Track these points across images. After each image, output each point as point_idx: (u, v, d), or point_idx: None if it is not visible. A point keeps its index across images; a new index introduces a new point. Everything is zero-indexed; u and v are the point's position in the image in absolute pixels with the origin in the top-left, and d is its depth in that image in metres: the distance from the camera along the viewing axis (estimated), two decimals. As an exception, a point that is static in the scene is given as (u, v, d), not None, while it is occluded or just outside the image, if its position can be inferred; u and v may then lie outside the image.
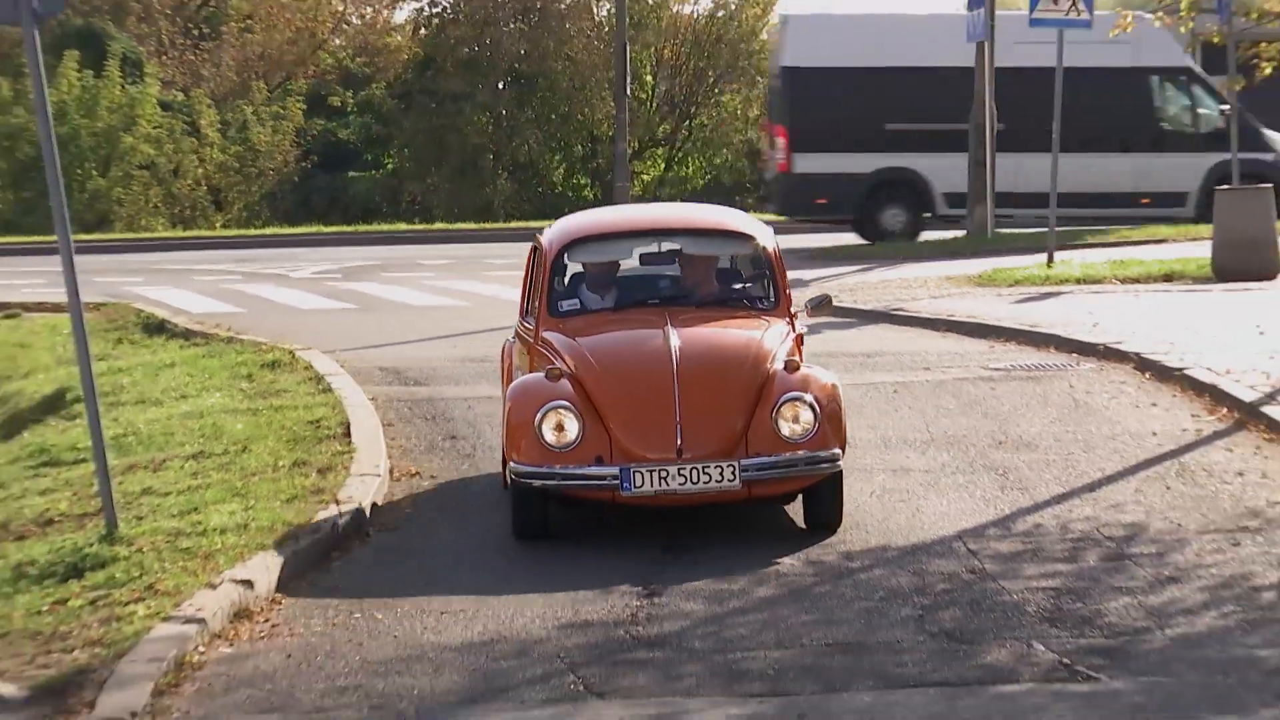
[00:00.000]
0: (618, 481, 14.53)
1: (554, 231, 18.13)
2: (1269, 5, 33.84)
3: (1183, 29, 46.43)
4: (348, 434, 22.22)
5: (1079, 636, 15.30)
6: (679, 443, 14.60)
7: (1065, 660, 14.69)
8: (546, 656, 14.57)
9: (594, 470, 14.69)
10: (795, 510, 18.46)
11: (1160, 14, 48.53)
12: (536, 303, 17.64)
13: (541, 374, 15.68)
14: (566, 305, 17.51)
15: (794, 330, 17.11)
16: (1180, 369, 24.69)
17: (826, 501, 15.28)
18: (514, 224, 61.65)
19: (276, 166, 70.23)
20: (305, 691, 13.76)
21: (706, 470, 14.31)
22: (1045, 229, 42.73)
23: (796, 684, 13.89)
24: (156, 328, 32.06)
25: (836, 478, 15.10)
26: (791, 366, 15.49)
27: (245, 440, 22.52)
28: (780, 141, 52.80)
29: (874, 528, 18.91)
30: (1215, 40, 47.09)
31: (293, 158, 71.43)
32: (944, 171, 53.76)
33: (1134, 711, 13.45)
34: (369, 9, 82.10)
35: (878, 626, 15.57)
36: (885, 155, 51.20)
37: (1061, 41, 42.66)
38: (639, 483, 14.48)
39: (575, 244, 18.10)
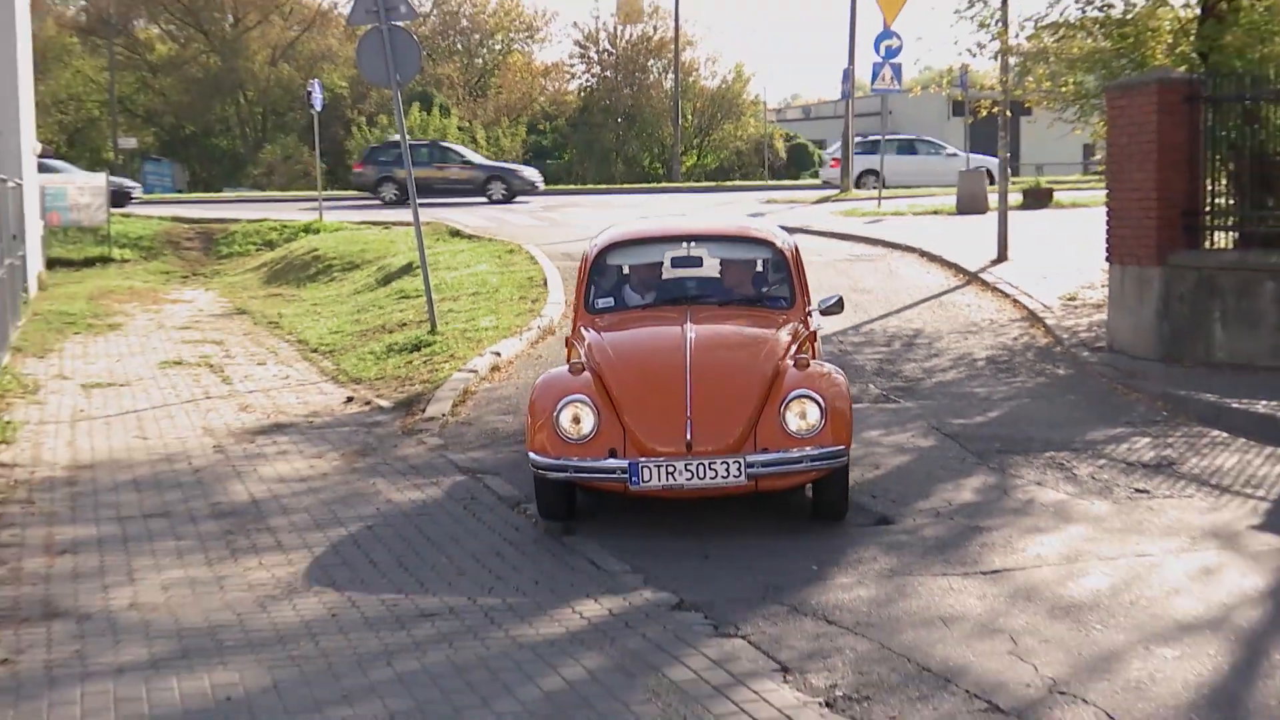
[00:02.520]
0: (627, 475, 9.64)
1: (598, 238, 12.77)
2: (985, 83, 33.53)
3: (945, 93, 45.49)
4: (545, 284, 22.06)
5: (890, 381, 15.25)
6: (688, 437, 9.64)
7: (884, 393, 14.67)
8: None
9: (605, 464, 9.75)
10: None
11: (933, 85, 47.69)
12: (577, 301, 12.21)
13: (565, 368, 10.63)
14: (601, 303, 11.92)
15: (808, 328, 11.61)
16: (939, 255, 24.31)
17: (832, 493, 10.14)
18: (625, 185, 60.44)
19: (512, 158, 69.52)
20: (523, 403, 13.70)
21: (713, 466, 9.55)
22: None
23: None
24: (455, 234, 31.86)
25: (842, 471, 10.07)
26: (801, 364, 10.34)
27: (496, 287, 22.43)
28: None
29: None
30: (958, 99, 46.47)
31: (520, 153, 70.78)
32: None
33: (915, 416, 13.43)
34: (557, 84, 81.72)
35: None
36: None
37: (885, 104, 41.98)
38: (647, 477, 9.60)
39: (611, 248, 12.36)
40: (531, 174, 50.11)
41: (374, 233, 33.70)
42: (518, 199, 47.25)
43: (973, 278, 22.14)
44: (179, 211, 43.98)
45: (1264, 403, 12.88)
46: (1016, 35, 21.47)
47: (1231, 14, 17.44)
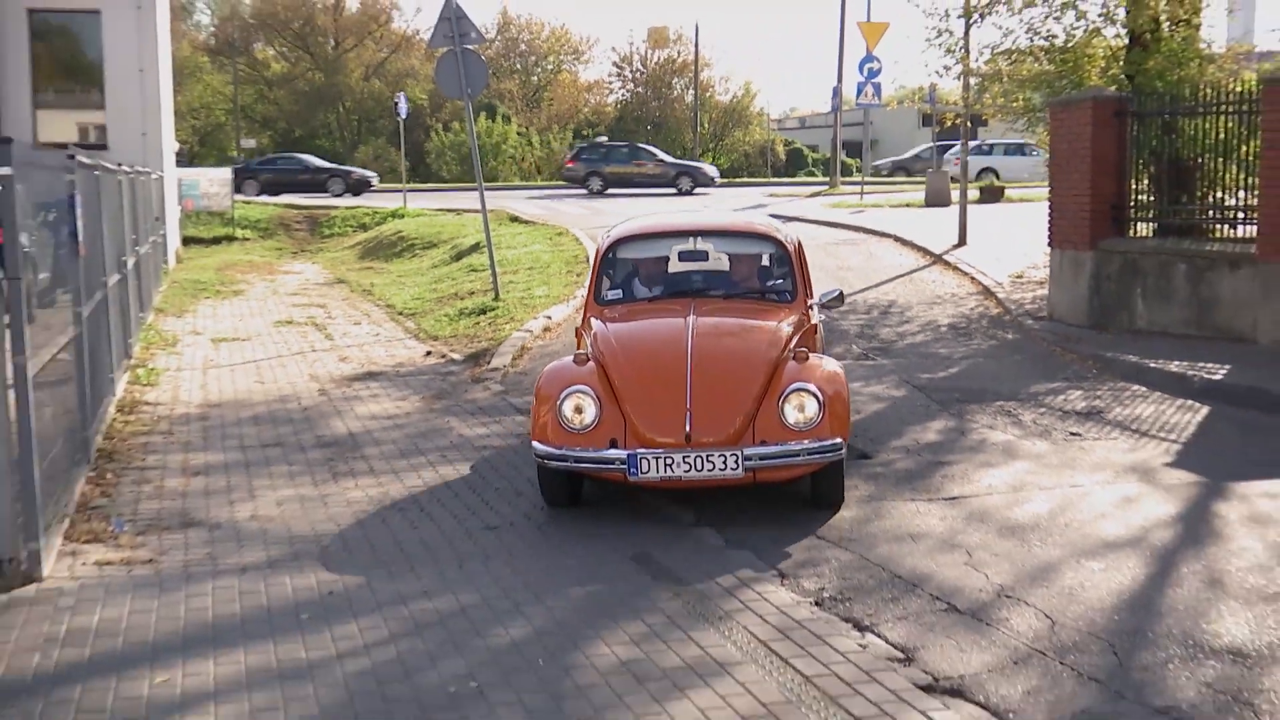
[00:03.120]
0: (626, 466, 8.00)
1: (610, 232, 10.88)
2: (949, 99, 33.19)
3: (916, 107, 45.11)
4: (589, 260, 21.89)
5: (869, 343, 15.13)
6: (688, 428, 7.98)
7: (864, 352, 14.54)
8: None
9: (605, 454, 8.08)
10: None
11: (907, 101, 47.33)
12: (588, 293, 10.27)
13: (571, 358, 8.79)
14: (610, 295, 10.04)
15: (810, 320, 9.67)
16: (911, 240, 24.15)
17: (828, 484, 8.44)
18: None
19: (560, 158, 68.91)
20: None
21: (710, 459, 7.89)
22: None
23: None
24: (514, 219, 31.69)
25: (838, 463, 8.37)
26: (801, 356, 8.62)
27: (548, 263, 22.37)
28: None
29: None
30: (927, 112, 46.05)
31: (568, 154, 70.42)
32: None
33: (889, 371, 13.34)
34: (597, 97, 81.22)
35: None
36: None
37: (866, 115, 41.57)
38: (645, 469, 7.95)
39: (621, 242, 10.37)
40: (711, 170, 49.19)
41: (448, 218, 33.63)
42: (697, 190, 46.13)
43: (938, 259, 21.97)
44: (291, 200, 44.13)
45: (1176, 363, 12.80)
46: (976, 60, 21.36)
47: (1154, 43, 17.41)
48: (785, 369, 8.36)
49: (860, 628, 6.41)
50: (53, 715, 5.49)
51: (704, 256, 10.13)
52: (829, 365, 8.72)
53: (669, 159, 50.01)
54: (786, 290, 9.87)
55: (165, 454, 10.41)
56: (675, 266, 10.12)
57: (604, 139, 59.35)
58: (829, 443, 8.02)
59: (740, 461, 7.88)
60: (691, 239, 10.18)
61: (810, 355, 8.65)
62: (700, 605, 6.62)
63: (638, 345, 8.83)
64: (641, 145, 52.84)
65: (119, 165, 14.45)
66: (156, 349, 16.00)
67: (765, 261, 10.39)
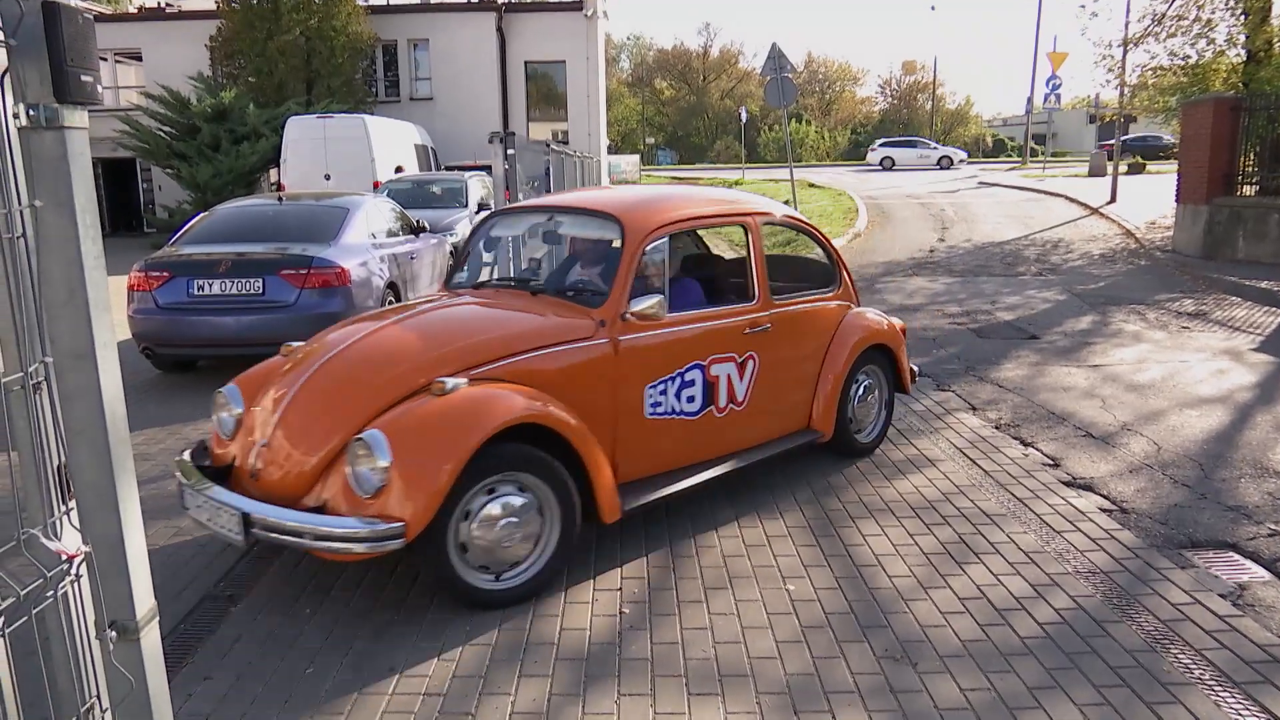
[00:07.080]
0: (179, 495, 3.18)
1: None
2: (1106, 102, 30.08)
3: (1085, 109, 40.79)
4: (857, 211, 20.98)
5: (1043, 265, 14.09)
6: (251, 463, 3.22)
7: (1039, 272, 13.56)
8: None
9: (178, 477, 3.39)
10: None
11: (1079, 105, 42.79)
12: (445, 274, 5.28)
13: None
14: (455, 280, 4.58)
15: (608, 338, 3.69)
16: (1075, 198, 22.25)
17: (429, 570, 3.06)
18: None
19: (842, 148, 65.46)
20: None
21: (220, 512, 3.01)
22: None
23: (952, 269, 13.04)
24: (811, 185, 30.16)
25: (435, 546, 3.01)
26: (438, 388, 3.18)
27: (831, 211, 21.42)
28: None
29: (964, 234, 17.50)
30: (1092, 113, 41.70)
31: (846, 146, 67.66)
32: None
33: (1056, 283, 12.45)
34: (866, 108, 77.77)
35: (976, 260, 14.59)
36: None
37: (1050, 116, 38.09)
38: (188, 502, 3.23)
39: (488, 218, 4.75)
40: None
41: (769, 185, 33.12)
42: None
43: (1094, 211, 20.17)
44: (673, 173, 44.55)
45: (1265, 282, 11.42)
46: (1130, 75, 19.36)
47: (1267, 58, 15.36)
48: (401, 407, 3.51)
49: (1024, 443, 6.09)
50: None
51: (556, 239, 4.94)
52: (488, 403, 3.46)
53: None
54: (599, 291, 4.22)
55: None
56: (524, 249, 5.32)
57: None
58: (385, 527, 3.20)
59: (243, 526, 3.34)
60: (550, 217, 4.83)
61: (448, 387, 3.50)
62: (922, 423, 6.45)
63: (313, 345, 4.05)
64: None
65: (575, 152, 14.95)
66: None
67: (601, 250, 4.48)
